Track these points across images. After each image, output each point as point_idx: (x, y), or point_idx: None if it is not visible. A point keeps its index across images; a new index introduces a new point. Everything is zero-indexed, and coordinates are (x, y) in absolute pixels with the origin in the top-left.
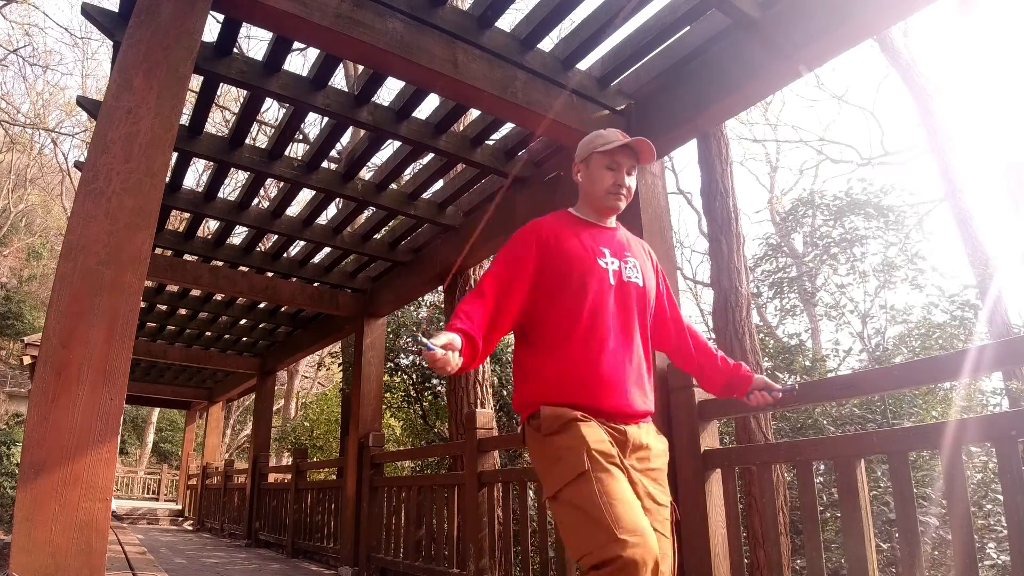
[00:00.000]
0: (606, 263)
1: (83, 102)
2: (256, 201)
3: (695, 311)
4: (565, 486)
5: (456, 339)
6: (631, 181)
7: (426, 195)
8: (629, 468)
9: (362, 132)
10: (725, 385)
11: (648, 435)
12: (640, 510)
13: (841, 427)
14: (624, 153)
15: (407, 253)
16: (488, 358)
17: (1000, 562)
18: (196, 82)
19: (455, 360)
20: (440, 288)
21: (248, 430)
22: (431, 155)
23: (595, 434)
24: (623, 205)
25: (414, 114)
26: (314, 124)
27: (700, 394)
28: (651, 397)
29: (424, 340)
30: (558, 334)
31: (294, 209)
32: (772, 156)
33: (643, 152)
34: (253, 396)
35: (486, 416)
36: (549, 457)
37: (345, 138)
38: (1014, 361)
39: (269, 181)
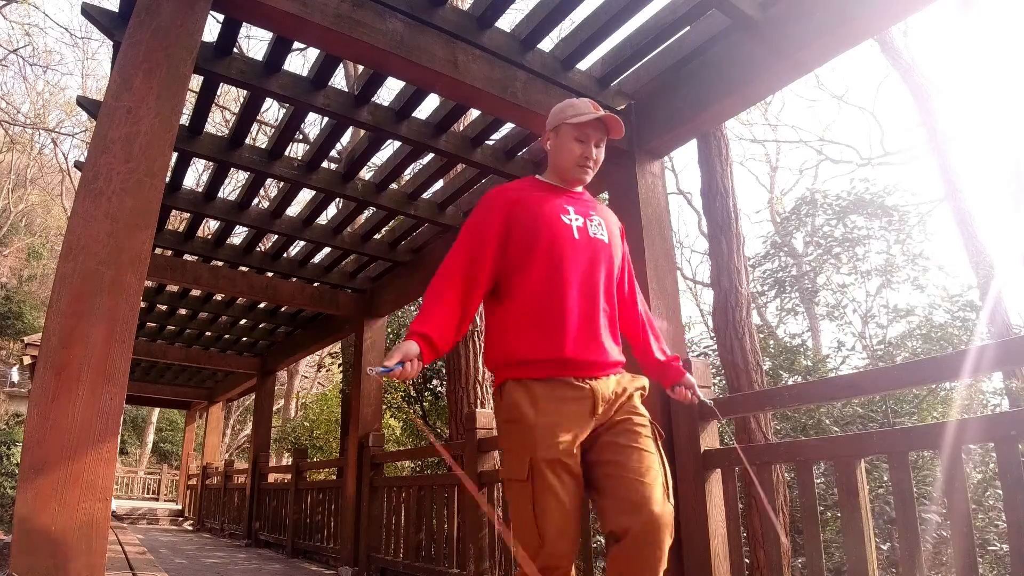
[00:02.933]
0: (570, 219)
1: (83, 102)
2: (256, 201)
3: (695, 311)
4: (509, 480)
5: (411, 347)
6: (599, 153)
7: (426, 195)
8: (604, 417)
9: (362, 132)
10: (654, 370)
11: (618, 382)
12: (570, 524)
13: (844, 427)
14: (594, 125)
15: (407, 253)
16: None
17: (1002, 551)
18: (196, 82)
19: (414, 368)
20: None
21: (248, 430)
22: (431, 155)
23: (548, 435)
24: (589, 177)
25: (414, 114)
26: (314, 124)
27: (700, 394)
28: (618, 350)
29: (376, 370)
30: (524, 290)
31: (294, 209)
32: (772, 156)
33: (613, 127)
34: (253, 396)
35: (486, 416)
36: (504, 442)
37: (345, 138)
38: (1014, 361)
39: (269, 181)
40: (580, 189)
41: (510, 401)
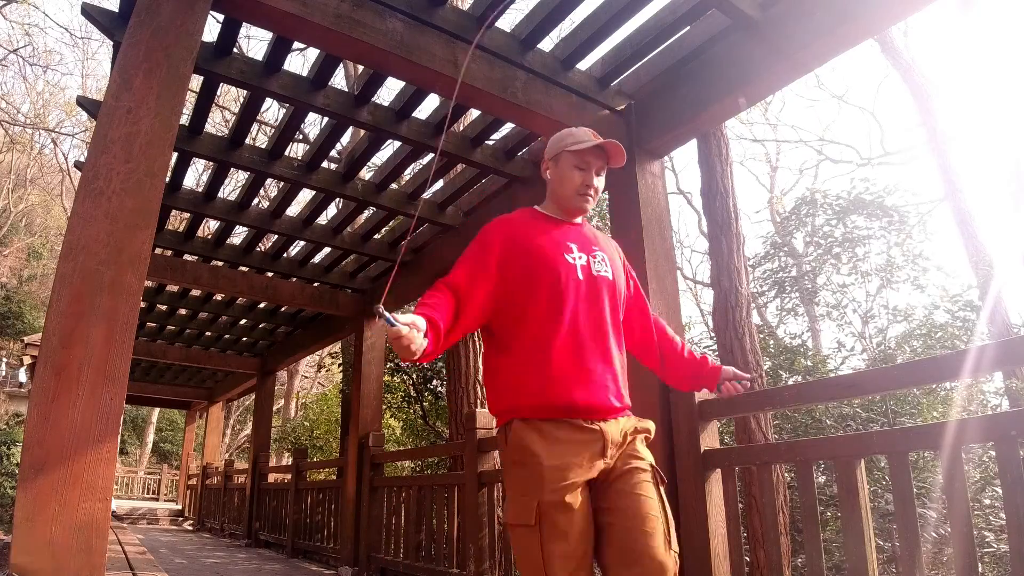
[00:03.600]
0: (574, 258)
1: (83, 102)
2: (256, 201)
3: (695, 311)
4: (514, 525)
5: (421, 321)
6: (599, 182)
7: (426, 195)
8: (610, 461)
9: (362, 132)
10: (691, 377)
11: (627, 425)
12: (581, 565)
13: (844, 426)
14: (594, 154)
15: (407, 253)
16: None
17: (1000, 551)
18: (196, 82)
19: (419, 341)
20: None
21: (248, 430)
22: (431, 155)
23: (556, 476)
24: (590, 207)
25: (414, 114)
26: (314, 124)
27: (700, 394)
28: (626, 392)
29: (386, 314)
30: (526, 332)
31: (294, 209)
32: (772, 156)
33: (614, 155)
34: (253, 396)
35: (486, 416)
36: (510, 484)
37: (345, 138)
38: (1014, 361)
39: (269, 181)
40: (580, 220)
41: (518, 443)
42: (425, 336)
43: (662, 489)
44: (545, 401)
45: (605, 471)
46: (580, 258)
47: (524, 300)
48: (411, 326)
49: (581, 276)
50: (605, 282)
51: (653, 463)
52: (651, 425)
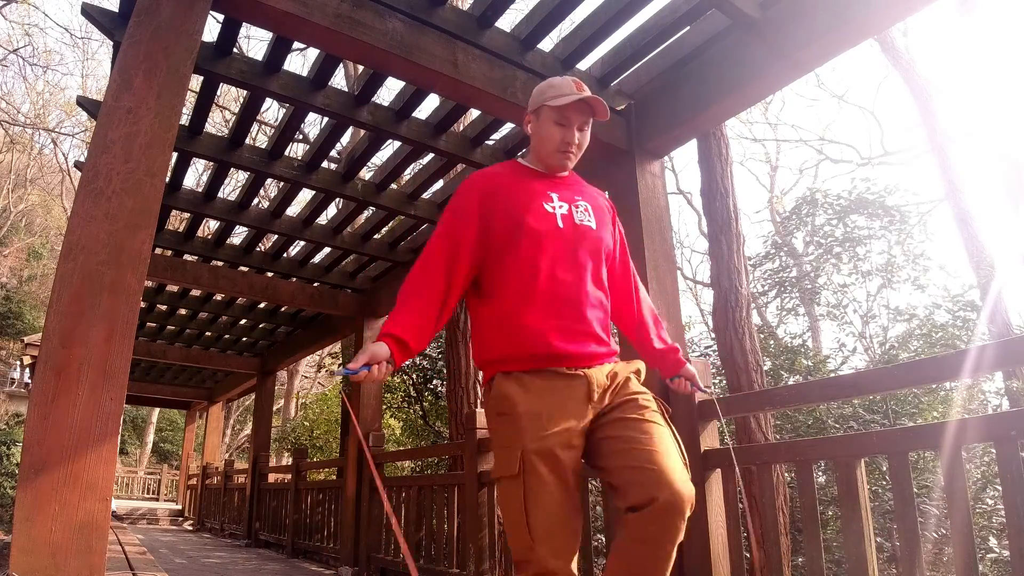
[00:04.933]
0: (553, 207)
1: (83, 102)
2: (256, 201)
3: (695, 311)
4: (499, 478)
5: (380, 350)
6: (583, 137)
7: (426, 195)
8: (603, 405)
9: (362, 132)
10: (652, 359)
11: (615, 369)
12: (565, 520)
13: (845, 427)
14: (576, 108)
15: (407, 253)
16: None
17: (1002, 557)
18: (196, 82)
19: (381, 372)
20: None
21: (248, 430)
22: (431, 155)
23: (536, 428)
24: (571, 163)
25: (414, 114)
26: (314, 124)
27: (700, 394)
28: (610, 339)
29: (340, 371)
30: (508, 283)
31: (294, 209)
32: (772, 156)
33: (597, 108)
34: (253, 396)
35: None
36: (494, 438)
37: (345, 138)
38: (1014, 361)
39: (269, 181)
40: (566, 173)
41: (499, 393)
42: (390, 361)
43: (668, 418)
44: (526, 351)
45: (598, 414)
46: (561, 207)
47: (504, 250)
48: (370, 361)
49: (562, 224)
50: (587, 231)
51: (655, 395)
52: (640, 364)
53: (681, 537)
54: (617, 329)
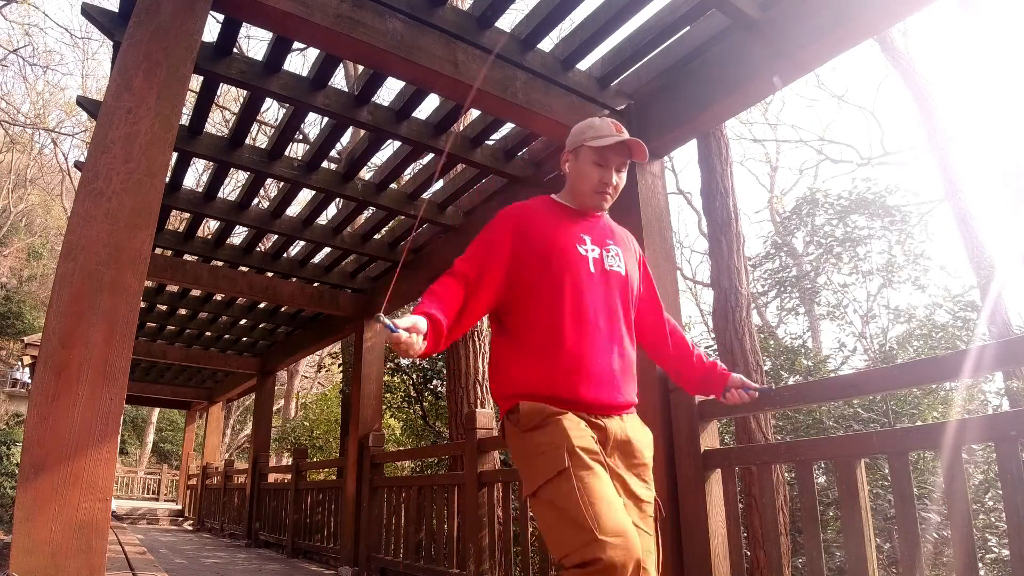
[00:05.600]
0: (586, 250)
1: (83, 102)
2: (256, 201)
3: (695, 311)
4: (544, 483)
5: (421, 322)
6: (619, 179)
7: (426, 195)
8: (612, 466)
9: (362, 132)
10: (700, 381)
11: (632, 428)
12: (622, 509)
13: (846, 427)
14: (615, 149)
15: (407, 253)
16: (487, 358)
17: (1002, 557)
18: (196, 82)
19: (419, 344)
20: None
21: (248, 430)
22: (431, 155)
23: (577, 429)
24: (607, 205)
25: (414, 114)
26: (314, 124)
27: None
28: (634, 388)
29: (386, 320)
30: (536, 323)
31: (294, 209)
32: (772, 156)
33: (636, 150)
34: (253, 396)
35: (486, 416)
36: (528, 453)
37: (345, 138)
38: (1014, 361)
39: (269, 181)
40: (600, 213)
41: (529, 410)
42: (425, 338)
43: (658, 525)
44: (551, 393)
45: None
46: (593, 251)
47: (534, 289)
48: (411, 329)
49: (593, 269)
50: (617, 277)
51: (655, 496)
52: (650, 434)
53: None
54: (653, 360)
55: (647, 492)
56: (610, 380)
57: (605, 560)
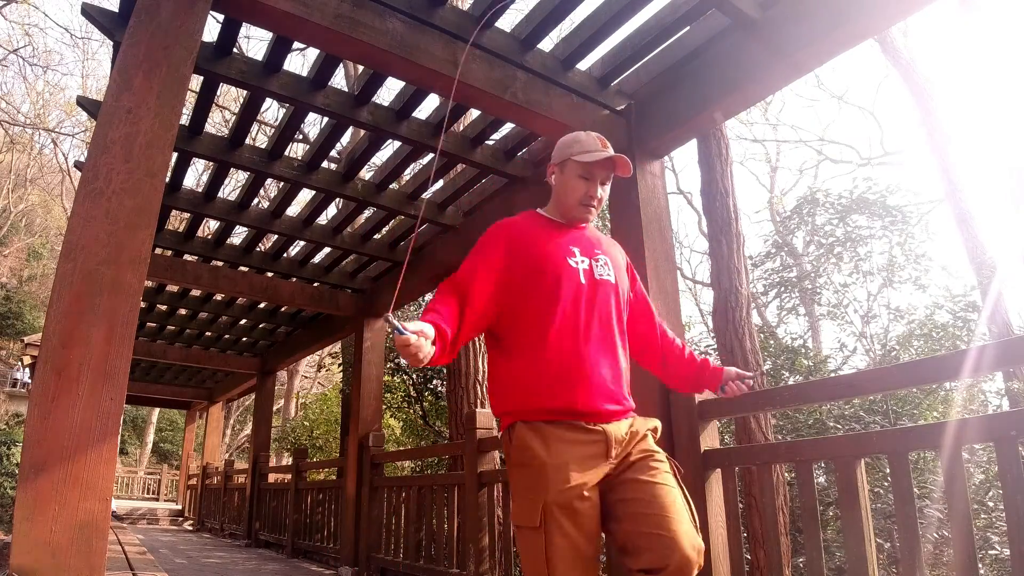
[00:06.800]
0: (576, 262)
1: (83, 102)
2: (256, 201)
3: (695, 311)
4: (519, 527)
5: (429, 328)
6: (604, 192)
7: (426, 195)
8: (618, 460)
9: (362, 132)
10: (693, 379)
11: (633, 425)
12: (586, 566)
13: (847, 428)
14: (601, 164)
15: (410, 253)
16: (487, 358)
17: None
18: (196, 82)
19: (427, 349)
20: None
21: (248, 430)
22: (431, 155)
23: (560, 477)
24: (592, 217)
25: (414, 114)
26: (314, 124)
27: (700, 394)
28: (629, 396)
29: (395, 322)
30: (530, 336)
31: (294, 209)
32: (772, 156)
33: (620, 165)
34: (253, 396)
35: (486, 416)
36: (515, 486)
37: (345, 138)
38: (1014, 361)
39: (269, 181)
40: (584, 225)
41: (520, 444)
42: (433, 343)
43: (680, 479)
44: (547, 404)
45: (614, 470)
46: (583, 262)
47: (526, 303)
48: (419, 334)
49: (583, 280)
50: (608, 286)
51: (668, 456)
52: (657, 423)
53: None
54: (644, 366)
55: (657, 458)
56: (606, 389)
57: None
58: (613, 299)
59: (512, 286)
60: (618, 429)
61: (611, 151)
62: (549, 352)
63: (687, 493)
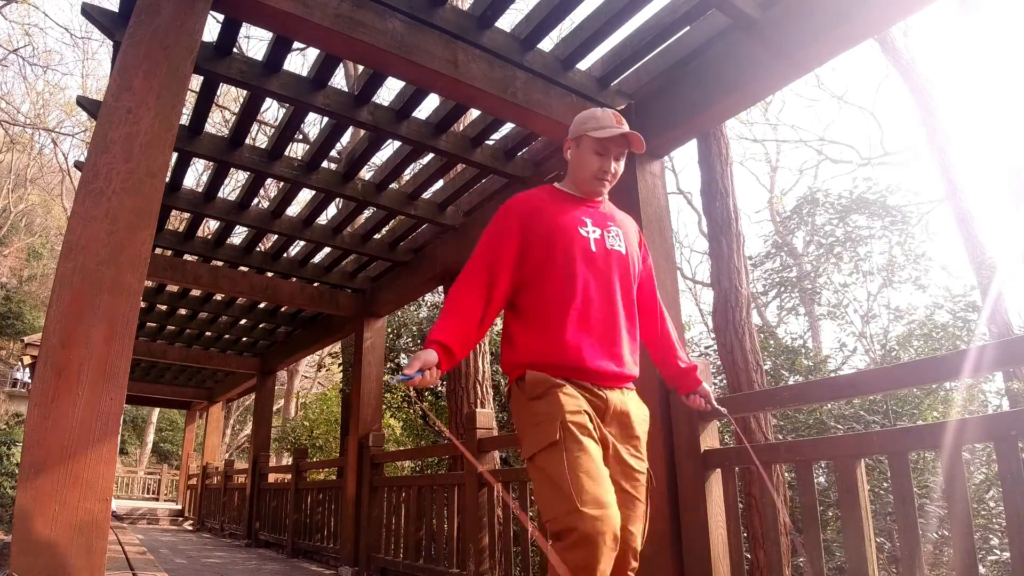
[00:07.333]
0: (587, 231)
1: (83, 102)
2: (256, 201)
3: (695, 311)
4: (539, 451)
5: (431, 356)
6: (618, 167)
7: (426, 195)
8: (608, 436)
9: (362, 132)
10: (677, 375)
11: (631, 403)
12: (606, 483)
13: (845, 426)
14: (615, 140)
15: (407, 253)
16: (488, 357)
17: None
18: (196, 82)
19: (433, 377)
20: (440, 288)
21: (248, 430)
22: (431, 155)
23: (573, 404)
24: (606, 190)
25: (414, 114)
26: (314, 124)
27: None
28: (635, 362)
29: (401, 377)
30: (543, 303)
31: (294, 209)
32: (772, 156)
33: (634, 142)
34: (253, 396)
35: (486, 416)
36: (529, 421)
37: (345, 138)
38: (1014, 361)
39: (269, 181)
40: (599, 198)
41: (533, 380)
42: (439, 366)
43: (650, 493)
44: (557, 362)
45: (604, 441)
46: (594, 232)
47: (541, 270)
48: (423, 368)
49: (594, 248)
50: (618, 256)
51: (648, 468)
52: (647, 411)
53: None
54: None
55: (640, 463)
56: (612, 352)
57: (581, 530)
58: (622, 269)
59: (527, 255)
60: (619, 400)
61: (626, 127)
62: (560, 316)
63: (649, 507)
